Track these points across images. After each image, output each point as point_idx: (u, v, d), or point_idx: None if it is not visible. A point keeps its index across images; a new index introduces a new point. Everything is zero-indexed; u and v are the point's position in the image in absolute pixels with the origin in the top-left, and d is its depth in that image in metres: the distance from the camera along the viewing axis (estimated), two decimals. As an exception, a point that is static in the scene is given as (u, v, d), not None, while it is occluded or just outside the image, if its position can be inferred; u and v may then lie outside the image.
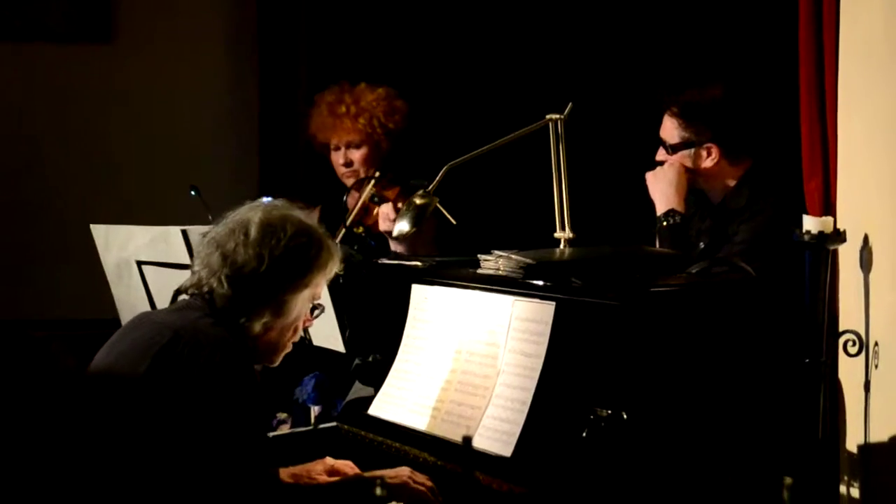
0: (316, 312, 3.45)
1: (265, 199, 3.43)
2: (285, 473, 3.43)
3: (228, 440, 3.14)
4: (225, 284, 3.26)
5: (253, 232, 3.27)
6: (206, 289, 3.29)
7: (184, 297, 3.35)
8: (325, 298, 3.70)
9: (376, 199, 4.81)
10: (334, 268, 3.40)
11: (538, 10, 5.61)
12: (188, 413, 3.10)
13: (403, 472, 3.40)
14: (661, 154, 4.31)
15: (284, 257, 3.27)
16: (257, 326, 3.29)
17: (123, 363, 3.21)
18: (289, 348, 3.43)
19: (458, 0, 5.77)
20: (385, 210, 4.71)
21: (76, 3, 6.06)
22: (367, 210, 4.83)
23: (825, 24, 3.56)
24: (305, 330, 4.07)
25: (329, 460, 3.52)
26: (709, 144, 4.23)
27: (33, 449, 3.00)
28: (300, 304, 3.34)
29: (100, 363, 3.30)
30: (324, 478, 3.46)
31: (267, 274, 3.25)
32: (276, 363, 3.44)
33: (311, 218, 3.40)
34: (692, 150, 4.25)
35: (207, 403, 3.11)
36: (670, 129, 4.28)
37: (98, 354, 3.33)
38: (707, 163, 4.24)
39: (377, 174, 4.85)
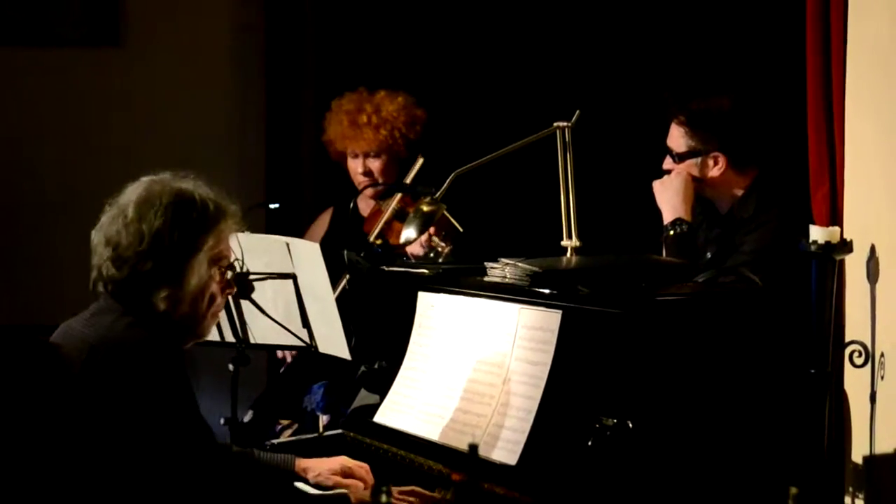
0: (229, 274, 3.39)
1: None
2: (299, 467, 3.45)
3: (166, 437, 3.15)
4: (112, 269, 3.25)
5: (131, 212, 3.26)
6: (103, 280, 3.28)
7: (98, 302, 3.32)
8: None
9: (400, 216, 4.79)
10: (227, 228, 3.35)
11: (546, 18, 5.61)
12: (120, 419, 3.11)
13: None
14: (667, 163, 4.31)
15: (164, 227, 3.24)
16: (161, 303, 3.25)
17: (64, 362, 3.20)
18: (213, 319, 3.39)
19: (466, 6, 5.77)
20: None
21: (85, 7, 6.07)
22: (390, 225, 4.82)
23: (833, 32, 3.55)
24: (311, 337, 4.09)
25: (346, 461, 3.51)
26: (716, 153, 4.23)
27: (43, 450, 3.02)
28: (198, 269, 3.28)
29: None
30: (335, 479, 3.46)
31: (149, 248, 3.22)
32: (205, 335, 3.41)
33: (199, 186, 3.34)
34: (699, 159, 4.25)
35: (135, 407, 3.12)
36: (677, 138, 4.28)
37: None
38: (714, 172, 4.24)
39: (407, 184, 4.83)
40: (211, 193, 3.34)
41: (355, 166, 5.09)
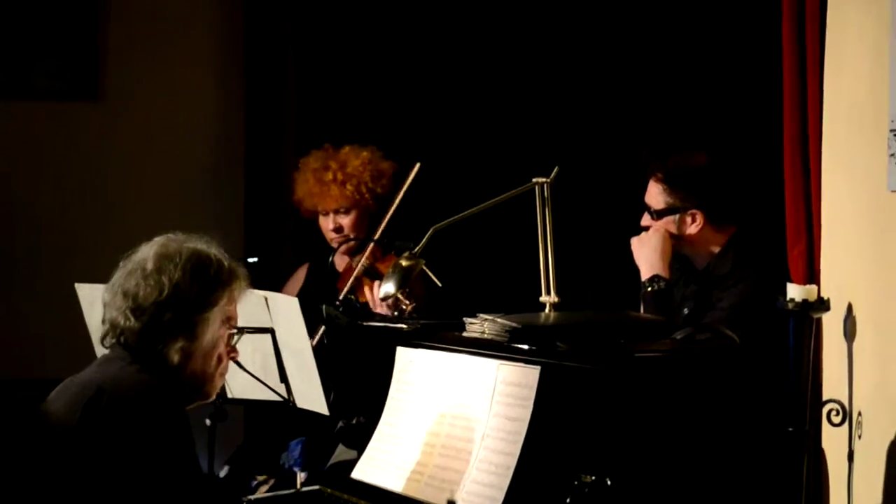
0: (235, 338, 3.43)
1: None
2: None
3: (165, 484, 3.13)
4: (131, 318, 3.27)
5: (150, 266, 3.29)
6: (118, 331, 3.30)
7: (105, 352, 3.35)
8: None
9: (369, 272, 4.79)
10: (240, 288, 3.40)
11: (525, 75, 5.64)
12: (123, 464, 3.10)
13: None
14: (645, 219, 4.33)
15: (184, 280, 3.28)
16: (175, 355, 3.27)
17: (56, 423, 3.19)
18: (220, 379, 3.42)
19: (445, 62, 5.80)
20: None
21: (63, 60, 6.06)
22: (359, 282, 4.81)
23: (809, 91, 3.58)
24: (289, 391, 4.08)
25: None
26: (693, 211, 4.25)
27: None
28: (212, 324, 3.32)
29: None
30: None
31: (169, 299, 3.26)
32: (212, 396, 3.43)
33: (211, 246, 3.40)
34: (677, 216, 4.26)
35: (140, 452, 3.11)
36: (655, 195, 4.29)
37: None
38: (691, 229, 4.25)
39: (375, 238, 4.83)
40: (224, 254, 3.40)
41: (326, 224, 5.09)
